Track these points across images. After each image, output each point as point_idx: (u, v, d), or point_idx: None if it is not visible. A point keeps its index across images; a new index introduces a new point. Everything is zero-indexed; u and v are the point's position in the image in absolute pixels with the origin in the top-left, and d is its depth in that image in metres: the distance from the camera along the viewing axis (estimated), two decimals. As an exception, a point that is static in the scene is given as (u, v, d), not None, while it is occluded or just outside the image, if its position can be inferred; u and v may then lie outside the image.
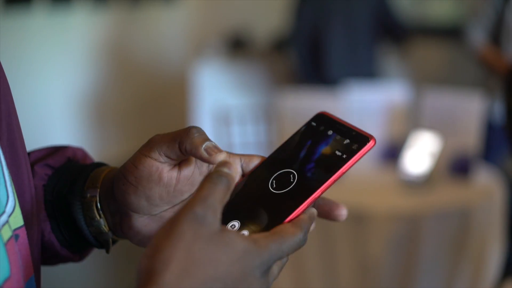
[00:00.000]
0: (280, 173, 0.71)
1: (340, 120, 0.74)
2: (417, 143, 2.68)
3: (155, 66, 5.71)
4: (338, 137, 0.72)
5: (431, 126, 2.74)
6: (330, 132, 0.73)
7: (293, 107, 2.79)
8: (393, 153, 2.81)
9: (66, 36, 4.98)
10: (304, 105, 2.78)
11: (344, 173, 0.69)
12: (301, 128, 0.75)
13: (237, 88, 4.64)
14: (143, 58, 5.59)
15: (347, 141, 0.70)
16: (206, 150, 0.68)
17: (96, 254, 0.90)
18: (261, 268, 0.60)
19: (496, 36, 3.38)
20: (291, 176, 0.70)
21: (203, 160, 0.68)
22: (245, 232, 0.64)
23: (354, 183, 2.68)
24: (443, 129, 2.74)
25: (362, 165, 2.75)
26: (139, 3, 5.47)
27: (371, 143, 0.70)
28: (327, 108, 2.75)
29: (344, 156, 0.69)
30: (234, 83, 4.67)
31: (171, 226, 0.57)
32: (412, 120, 2.88)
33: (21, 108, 3.35)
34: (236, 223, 0.66)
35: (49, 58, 4.88)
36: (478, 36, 3.41)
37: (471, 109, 2.73)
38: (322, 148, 0.72)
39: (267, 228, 0.65)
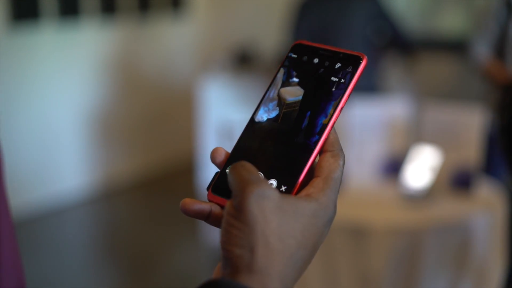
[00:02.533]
0: (285, 113, 0.69)
1: (320, 45, 0.71)
2: (418, 157, 2.69)
3: (162, 81, 5.74)
4: (327, 63, 0.69)
5: (432, 140, 2.75)
6: (316, 60, 0.70)
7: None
8: (394, 168, 2.82)
9: (74, 51, 5.02)
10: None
11: (348, 98, 0.67)
12: (282, 64, 0.72)
13: (242, 103, 4.66)
14: (150, 73, 5.63)
15: (338, 65, 0.69)
16: None
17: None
18: (330, 220, 0.63)
19: (500, 50, 3.38)
20: (297, 115, 0.68)
21: None
22: (283, 188, 0.65)
23: (354, 197, 2.68)
24: (444, 143, 2.74)
25: (363, 179, 2.75)
26: (147, 19, 5.52)
27: (364, 62, 0.68)
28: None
29: (342, 80, 0.68)
30: (240, 98, 4.70)
31: (240, 213, 0.59)
32: (413, 134, 2.88)
33: (28, 124, 3.40)
34: (273, 181, 0.66)
35: (57, 74, 4.92)
36: (481, 50, 3.42)
37: (472, 123, 2.73)
38: (315, 78, 0.69)
39: (298, 172, 0.65)
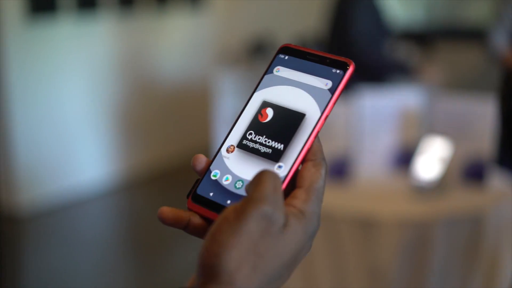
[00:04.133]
0: (267, 121, 0.67)
1: (307, 49, 0.70)
2: (429, 148, 2.64)
3: (179, 74, 5.73)
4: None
5: (444, 131, 2.70)
6: None
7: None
8: (405, 159, 2.77)
9: (91, 44, 5.03)
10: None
11: (334, 105, 0.66)
12: (269, 67, 0.70)
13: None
14: (167, 65, 5.62)
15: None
16: None
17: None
18: (314, 232, 0.63)
19: None
20: (280, 121, 0.67)
21: None
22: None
23: (364, 188, 2.64)
24: (457, 134, 2.69)
25: (373, 171, 2.71)
26: (165, 11, 5.50)
27: (351, 68, 0.66)
28: (339, 113, 2.72)
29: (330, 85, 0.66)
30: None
31: (238, 223, 0.57)
32: (425, 125, 2.83)
33: (47, 116, 3.41)
34: None
35: (75, 67, 4.93)
36: (500, 40, 3.35)
37: (485, 114, 2.68)
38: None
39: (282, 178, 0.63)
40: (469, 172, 2.65)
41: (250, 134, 0.68)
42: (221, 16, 6.01)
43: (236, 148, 0.68)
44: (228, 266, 0.56)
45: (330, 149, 2.68)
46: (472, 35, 5.67)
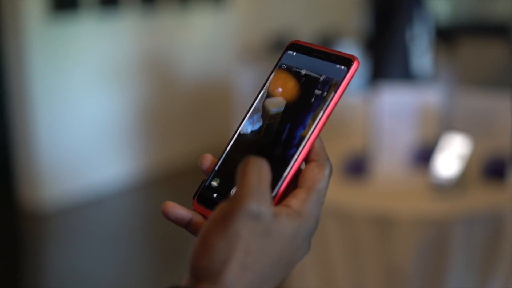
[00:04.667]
0: (271, 119, 0.67)
1: (315, 46, 0.69)
2: (449, 146, 2.61)
3: (201, 71, 5.73)
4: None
5: (465, 128, 2.66)
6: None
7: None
8: (424, 157, 2.74)
9: (113, 42, 5.05)
10: (338, 107, 2.72)
11: (336, 103, 0.65)
12: (278, 63, 0.70)
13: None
14: (189, 63, 5.62)
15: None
16: None
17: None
18: (310, 234, 0.62)
19: None
20: (284, 119, 0.66)
21: None
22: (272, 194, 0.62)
23: (382, 186, 2.62)
24: (477, 131, 2.65)
25: (392, 168, 2.69)
26: (187, 9, 5.51)
27: (355, 64, 0.65)
28: (358, 110, 2.69)
29: (334, 81, 0.65)
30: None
31: (225, 224, 0.57)
32: (445, 122, 2.80)
33: (68, 113, 3.42)
34: None
35: (97, 64, 4.95)
36: None
37: (506, 110, 2.64)
38: (304, 84, 0.67)
39: (276, 184, 0.62)
40: (489, 169, 2.61)
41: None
42: (243, 13, 6.00)
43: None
44: (218, 267, 0.57)
45: (348, 146, 2.66)
46: (497, 32, 5.60)
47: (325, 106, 0.65)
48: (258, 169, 0.59)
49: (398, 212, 2.41)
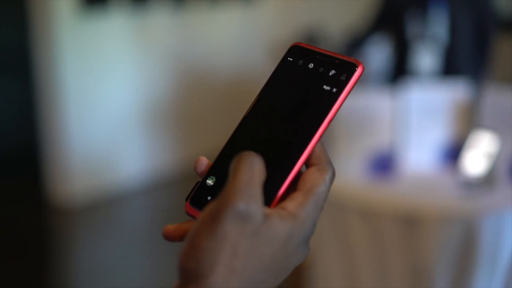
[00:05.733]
0: (271, 124, 0.64)
1: (318, 49, 0.67)
2: (477, 143, 2.57)
3: (231, 67, 5.73)
4: (321, 69, 0.65)
5: (493, 126, 2.62)
6: (311, 65, 0.66)
7: (351, 106, 2.72)
8: (453, 154, 2.70)
9: (143, 38, 5.07)
10: (360, 104, 2.71)
11: (339, 108, 0.63)
12: (277, 67, 0.68)
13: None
14: (219, 59, 5.62)
15: (332, 72, 0.64)
16: None
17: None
18: (306, 238, 0.60)
19: None
20: (284, 124, 0.64)
21: None
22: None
23: (409, 184, 2.59)
24: (505, 129, 2.61)
25: (420, 166, 2.66)
26: (217, 4, 5.51)
27: (359, 69, 0.63)
28: (385, 107, 2.67)
29: (334, 90, 0.63)
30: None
31: (213, 224, 0.55)
32: (474, 119, 2.76)
33: (98, 110, 3.45)
34: None
35: (127, 61, 4.98)
36: None
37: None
38: (307, 85, 0.65)
39: (277, 186, 0.60)
40: (518, 168, 2.57)
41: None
42: (272, 9, 5.98)
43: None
44: (205, 269, 0.55)
45: (375, 143, 2.64)
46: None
47: (327, 110, 0.63)
48: (250, 167, 0.57)
49: (424, 211, 2.39)
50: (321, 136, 0.62)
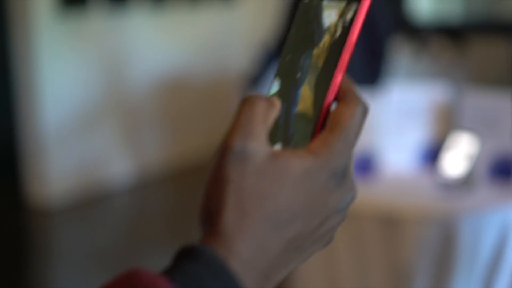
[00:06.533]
0: (299, 63, 0.61)
1: None
2: (456, 145, 2.59)
3: (212, 67, 5.72)
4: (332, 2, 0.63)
5: (472, 128, 2.64)
6: (325, 3, 0.64)
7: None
8: (432, 155, 2.72)
9: (122, 38, 5.05)
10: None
11: (355, 40, 0.60)
12: (298, 10, 0.65)
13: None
14: (199, 59, 5.61)
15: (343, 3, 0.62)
16: None
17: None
18: (336, 175, 0.54)
19: None
20: (309, 59, 0.61)
21: None
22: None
23: (389, 185, 2.60)
24: (484, 131, 2.63)
25: (399, 167, 2.67)
26: (197, 5, 5.50)
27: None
28: (369, 108, 2.70)
29: (348, 19, 0.61)
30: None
31: (215, 171, 0.53)
32: (452, 121, 2.78)
33: (75, 110, 3.44)
34: (278, 146, 0.58)
35: (105, 61, 4.96)
36: None
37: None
38: (324, 18, 0.62)
39: (314, 125, 0.57)
40: (496, 169, 2.59)
41: None
42: (252, 9, 5.98)
43: None
44: (214, 216, 0.52)
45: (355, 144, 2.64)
46: (506, 31, 5.56)
47: (344, 41, 0.60)
48: (250, 107, 0.54)
49: (404, 212, 2.40)
50: (344, 68, 0.59)
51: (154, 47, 5.27)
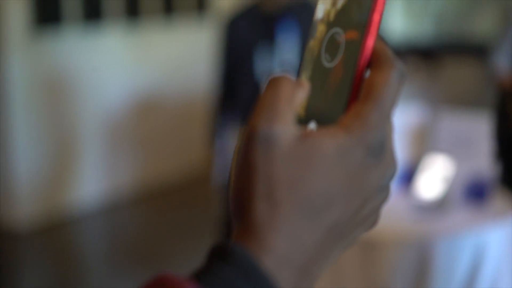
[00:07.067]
0: (326, 43, 0.57)
1: None
2: (431, 167, 2.61)
3: (186, 86, 5.71)
4: None
5: (447, 150, 2.66)
6: None
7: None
8: (407, 178, 2.74)
9: (96, 56, 5.02)
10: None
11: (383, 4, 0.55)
12: None
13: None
14: (174, 78, 5.60)
15: None
16: None
17: None
18: (372, 151, 0.49)
19: None
20: (337, 35, 0.56)
21: None
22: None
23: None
24: (459, 153, 2.66)
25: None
26: (171, 25, 5.49)
27: None
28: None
29: None
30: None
31: (242, 157, 0.49)
32: (427, 143, 2.80)
33: (47, 131, 3.37)
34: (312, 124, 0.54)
35: (80, 80, 4.92)
36: (501, 60, 3.30)
37: (486, 131, 2.64)
38: (317, 12, 0.59)
39: (343, 105, 0.51)
40: (470, 191, 2.61)
41: None
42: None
43: None
44: (243, 207, 0.48)
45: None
46: (478, 51, 5.64)
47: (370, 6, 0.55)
48: (274, 87, 0.50)
49: (380, 234, 2.41)
50: (375, 32, 0.54)
51: (128, 67, 5.25)
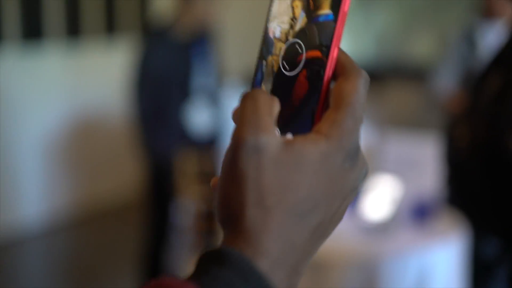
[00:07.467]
0: (286, 51, 0.58)
1: None
2: (377, 187, 2.62)
3: (127, 108, 5.65)
4: None
5: (393, 170, 2.69)
6: None
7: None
8: (354, 199, 2.74)
9: (37, 77, 4.93)
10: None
11: (345, 15, 0.56)
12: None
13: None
14: (116, 98, 5.54)
15: None
16: None
17: None
18: (350, 155, 0.52)
19: (465, 82, 3.30)
20: (298, 46, 0.57)
21: None
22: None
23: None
24: (405, 173, 2.68)
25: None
26: (113, 42, 5.44)
27: None
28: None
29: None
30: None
31: (230, 167, 0.51)
32: (373, 164, 2.82)
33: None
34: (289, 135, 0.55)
35: (21, 101, 4.82)
36: (443, 82, 3.34)
37: (431, 153, 2.68)
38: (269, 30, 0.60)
39: (312, 113, 0.54)
40: (416, 211, 2.64)
41: None
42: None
43: None
44: (236, 214, 0.50)
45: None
46: (417, 74, 5.74)
47: (336, 15, 0.57)
48: (253, 100, 0.52)
49: (327, 256, 2.40)
50: (338, 43, 0.56)
51: (67, 87, 5.16)
